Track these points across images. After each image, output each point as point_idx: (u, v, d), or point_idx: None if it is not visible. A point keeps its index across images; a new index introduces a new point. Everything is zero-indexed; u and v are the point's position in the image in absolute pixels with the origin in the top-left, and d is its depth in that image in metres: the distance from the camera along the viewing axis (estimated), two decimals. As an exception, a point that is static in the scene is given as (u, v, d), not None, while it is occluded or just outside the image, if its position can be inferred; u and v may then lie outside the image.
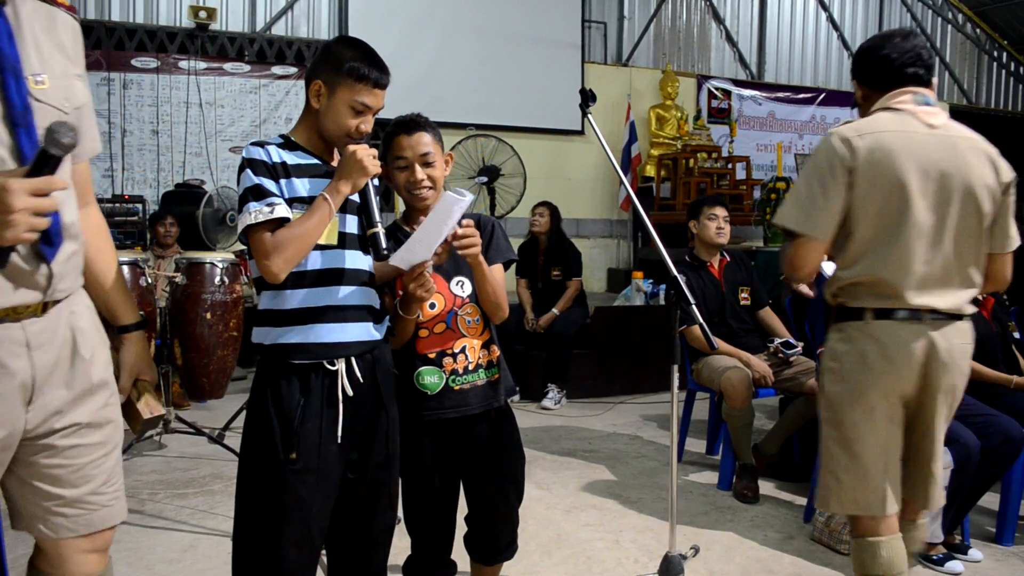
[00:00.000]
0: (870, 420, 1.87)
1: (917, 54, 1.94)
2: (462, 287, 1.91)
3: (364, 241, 1.69)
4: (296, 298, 1.61)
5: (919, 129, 1.88)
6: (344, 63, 1.59)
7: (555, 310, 5.13)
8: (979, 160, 1.88)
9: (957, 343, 1.87)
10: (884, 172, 1.84)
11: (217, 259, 3.96)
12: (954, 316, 1.87)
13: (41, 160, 1.10)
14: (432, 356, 1.87)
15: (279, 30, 7.68)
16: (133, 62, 7.07)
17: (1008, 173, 1.92)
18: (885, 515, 1.88)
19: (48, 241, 1.23)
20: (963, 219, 1.86)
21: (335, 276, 1.63)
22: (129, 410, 1.54)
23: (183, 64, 7.22)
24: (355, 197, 1.67)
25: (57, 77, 1.29)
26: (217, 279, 3.91)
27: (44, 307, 1.28)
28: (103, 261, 1.51)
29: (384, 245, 1.62)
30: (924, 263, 1.84)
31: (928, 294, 1.84)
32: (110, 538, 1.45)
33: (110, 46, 6.94)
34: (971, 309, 1.91)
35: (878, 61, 1.98)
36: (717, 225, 3.72)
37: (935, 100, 1.94)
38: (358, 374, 1.65)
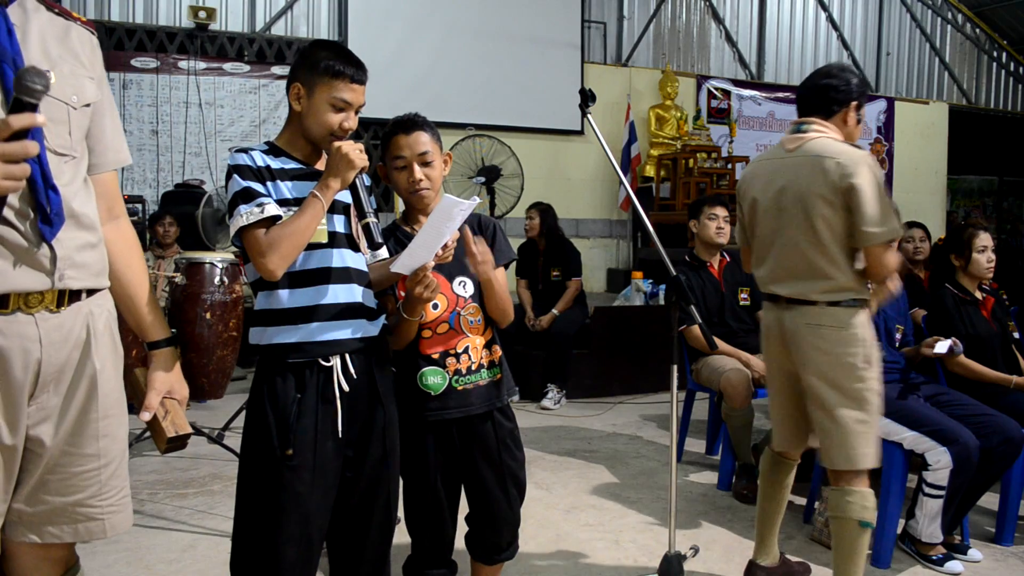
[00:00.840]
0: (769, 376, 2.42)
1: (823, 88, 2.26)
2: (464, 287, 1.91)
3: (353, 239, 1.70)
4: (289, 298, 1.62)
5: (778, 155, 2.32)
6: (319, 62, 1.62)
7: (555, 310, 5.13)
8: (814, 174, 2.18)
9: (801, 323, 2.23)
10: (746, 194, 2.41)
11: (217, 259, 3.96)
12: (800, 301, 2.23)
13: (15, 109, 1.08)
14: (436, 356, 1.87)
15: (279, 30, 7.68)
16: (133, 62, 7.07)
17: (844, 181, 2.11)
18: (778, 449, 2.44)
19: (47, 221, 1.21)
20: (798, 224, 2.22)
21: (325, 275, 1.64)
22: (155, 427, 1.51)
23: (183, 64, 7.22)
24: (344, 197, 1.67)
25: (66, 76, 1.28)
26: (217, 279, 3.91)
27: (59, 301, 1.26)
28: (134, 275, 1.49)
29: (377, 234, 1.64)
30: (771, 260, 2.32)
31: (777, 284, 2.31)
32: (67, 548, 1.41)
33: (110, 46, 6.93)
34: (823, 297, 2.20)
35: (798, 96, 2.36)
36: (717, 225, 3.72)
37: (817, 127, 2.24)
38: (352, 371, 1.65)
